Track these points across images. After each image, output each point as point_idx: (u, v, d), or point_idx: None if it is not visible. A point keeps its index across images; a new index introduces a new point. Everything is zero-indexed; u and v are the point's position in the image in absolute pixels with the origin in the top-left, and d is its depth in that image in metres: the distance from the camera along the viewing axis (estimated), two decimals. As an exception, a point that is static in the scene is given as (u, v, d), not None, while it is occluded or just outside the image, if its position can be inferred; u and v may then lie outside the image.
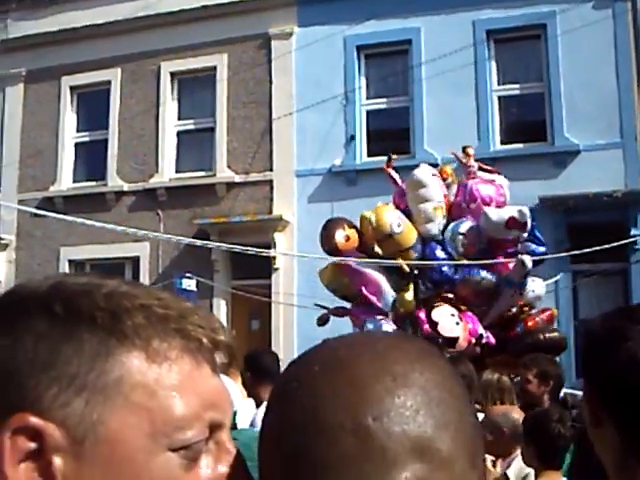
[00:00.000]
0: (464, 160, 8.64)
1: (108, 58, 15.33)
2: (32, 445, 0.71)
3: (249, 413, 4.81)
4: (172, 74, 15.11)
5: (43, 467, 0.71)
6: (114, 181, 15.19)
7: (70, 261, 15.44)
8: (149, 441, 0.73)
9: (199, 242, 10.53)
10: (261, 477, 0.78)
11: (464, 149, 8.78)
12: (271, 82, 14.44)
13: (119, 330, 0.75)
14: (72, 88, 15.85)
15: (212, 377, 0.79)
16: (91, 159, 15.75)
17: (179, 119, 15.18)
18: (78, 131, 15.98)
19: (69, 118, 15.88)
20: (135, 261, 14.91)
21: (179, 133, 15.16)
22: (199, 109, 15.05)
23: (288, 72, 14.31)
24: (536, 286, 8.35)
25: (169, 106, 15.03)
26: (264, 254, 7.81)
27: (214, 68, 14.75)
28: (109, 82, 15.49)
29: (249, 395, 5.24)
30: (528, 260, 7.90)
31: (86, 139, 15.91)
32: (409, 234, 7.91)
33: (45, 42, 15.78)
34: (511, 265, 8.01)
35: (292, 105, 14.19)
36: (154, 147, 15.02)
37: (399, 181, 8.57)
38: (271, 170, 14.26)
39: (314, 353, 0.81)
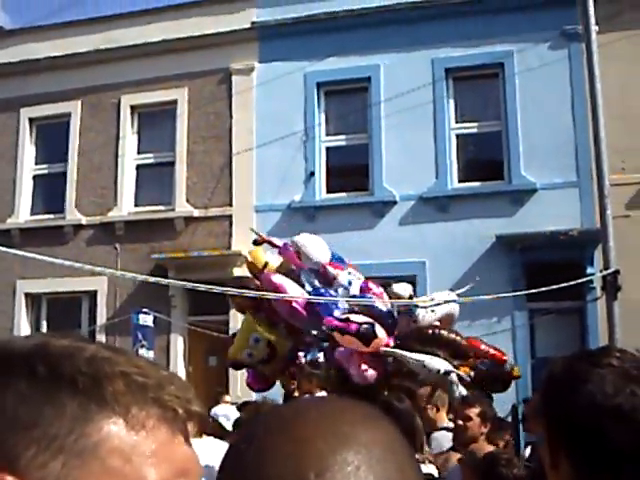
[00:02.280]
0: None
1: (68, 90, 16.22)
2: None
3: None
4: (132, 107, 16.00)
5: None
6: (72, 214, 16.00)
7: (26, 294, 16.16)
8: None
9: (155, 279, 10.90)
10: None
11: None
12: (231, 117, 15.32)
13: (100, 395, 0.80)
14: (31, 120, 16.73)
15: (184, 445, 0.85)
16: (49, 191, 16.56)
17: (139, 152, 16.07)
18: (37, 163, 16.86)
19: (28, 150, 16.75)
20: (92, 295, 15.64)
21: (138, 167, 16.04)
22: (159, 143, 15.93)
23: (249, 107, 15.18)
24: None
25: (129, 139, 15.90)
26: (230, 292, 8.50)
27: (175, 102, 15.65)
28: (69, 114, 16.36)
29: None
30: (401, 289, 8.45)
31: (45, 171, 16.78)
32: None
33: (5, 73, 16.71)
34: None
35: (252, 140, 15.07)
36: (113, 180, 15.85)
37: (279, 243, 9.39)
38: (230, 205, 15.08)
39: (264, 415, 0.90)
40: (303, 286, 8.36)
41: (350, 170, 15.12)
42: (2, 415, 0.78)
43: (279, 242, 9.59)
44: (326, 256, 8.56)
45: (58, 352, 0.83)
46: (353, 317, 7.69)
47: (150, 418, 0.82)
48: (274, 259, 9.20)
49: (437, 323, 8.36)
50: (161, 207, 15.60)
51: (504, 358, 8.33)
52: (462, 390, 7.10)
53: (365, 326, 7.53)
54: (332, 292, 8.22)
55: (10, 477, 0.76)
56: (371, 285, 8.34)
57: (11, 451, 0.77)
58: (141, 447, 0.80)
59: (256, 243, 9.76)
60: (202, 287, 9.22)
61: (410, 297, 8.73)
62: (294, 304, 8.09)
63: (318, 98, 15.02)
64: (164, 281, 11.67)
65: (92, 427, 0.79)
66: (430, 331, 8.07)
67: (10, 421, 0.78)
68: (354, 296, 8.19)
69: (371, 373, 7.53)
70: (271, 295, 8.41)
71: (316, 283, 8.45)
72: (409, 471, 0.81)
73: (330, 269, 8.48)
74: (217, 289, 8.45)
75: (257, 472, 0.81)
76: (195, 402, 0.87)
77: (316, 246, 8.67)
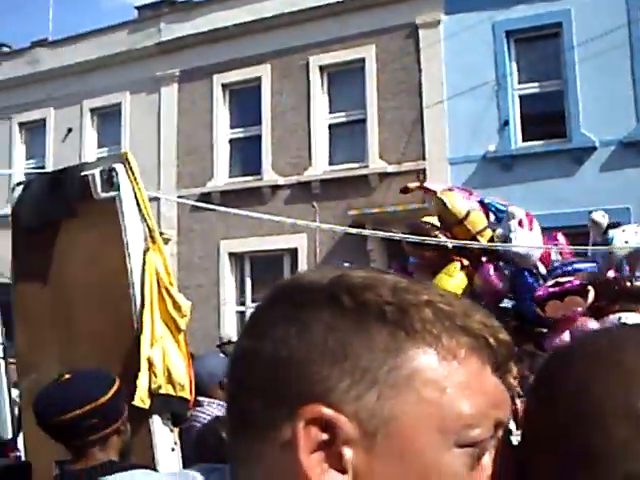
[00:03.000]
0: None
1: (258, 55, 17.02)
2: (324, 436, 0.79)
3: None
4: (321, 67, 16.62)
5: (334, 458, 0.79)
6: (269, 175, 16.86)
7: (230, 254, 17.17)
8: (438, 437, 0.79)
9: (356, 230, 11.01)
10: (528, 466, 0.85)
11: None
12: (420, 71, 15.69)
13: (409, 325, 0.81)
14: (224, 85, 17.68)
15: (493, 376, 0.84)
16: (245, 154, 17.53)
17: (330, 112, 16.70)
18: (231, 127, 17.83)
19: (222, 115, 17.72)
20: (293, 253, 16.45)
21: (330, 126, 16.66)
22: (349, 101, 16.52)
23: (437, 60, 15.52)
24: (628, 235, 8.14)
25: (319, 100, 16.56)
26: (428, 241, 8.57)
27: (362, 60, 16.16)
28: (259, 78, 17.13)
29: None
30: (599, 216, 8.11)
31: (240, 135, 17.72)
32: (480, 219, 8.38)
33: (197, 42, 17.73)
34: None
35: (443, 93, 15.41)
36: (307, 141, 16.57)
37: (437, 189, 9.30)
38: (424, 159, 15.51)
39: (577, 344, 0.90)
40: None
41: (545, 117, 15.27)
42: (313, 347, 0.80)
43: (436, 187, 9.51)
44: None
45: (359, 283, 0.84)
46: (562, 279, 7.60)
47: (461, 347, 0.82)
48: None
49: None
50: (355, 164, 16.19)
51: None
52: None
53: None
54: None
55: (326, 409, 0.78)
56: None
57: (324, 383, 0.79)
58: (454, 378, 0.81)
59: (406, 191, 9.59)
60: (398, 236, 9.35)
61: (609, 226, 8.30)
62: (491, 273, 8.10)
63: (508, 47, 15.17)
64: (364, 232, 11.78)
65: (403, 358, 0.80)
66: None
67: (321, 353, 0.80)
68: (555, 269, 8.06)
69: None
70: (476, 244, 8.40)
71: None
72: None
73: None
74: (414, 238, 8.55)
75: (581, 402, 0.81)
76: (502, 330, 0.86)
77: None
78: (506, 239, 8.02)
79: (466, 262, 8.17)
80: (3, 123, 20.71)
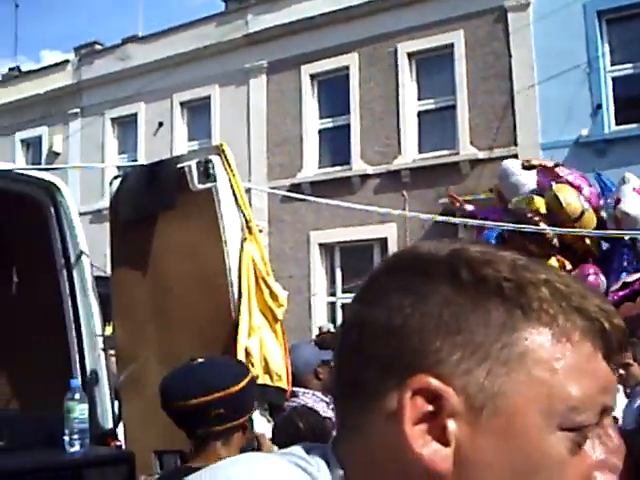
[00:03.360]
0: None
1: (344, 44, 17.07)
2: (430, 407, 0.79)
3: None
4: (409, 54, 16.57)
5: (438, 430, 0.79)
6: (358, 165, 16.89)
7: (320, 244, 17.26)
8: (544, 418, 0.78)
9: (443, 218, 10.87)
10: None
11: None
12: (510, 55, 15.52)
13: (526, 303, 0.80)
14: (312, 76, 17.78)
15: (603, 362, 0.83)
16: (334, 144, 17.63)
17: (419, 99, 16.64)
18: (320, 118, 17.93)
19: (310, 105, 17.84)
20: (383, 242, 16.43)
21: (420, 113, 16.59)
22: (438, 87, 16.48)
23: (527, 43, 15.32)
24: None
25: (408, 87, 16.52)
26: (525, 229, 8.43)
27: (451, 45, 16.05)
28: (347, 67, 17.18)
29: None
30: None
31: (329, 125, 17.82)
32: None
33: (284, 33, 17.92)
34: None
35: (533, 77, 15.22)
36: (395, 129, 16.54)
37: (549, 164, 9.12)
38: (515, 144, 15.33)
39: None
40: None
41: None
42: (427, 318, 0.81)
43: (550, 163, 9.37)
44: None
45: (477, 258, 0.83)
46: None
47: (575, 330, 0.81)
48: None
49: None
50: (445, 151, 16.11)
51: None
52: None
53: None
54: None
55: (434, 380, 0.79)
56: None
57: (435, 355, 0.80)
58: (567, 360, 0.80)
59: (526, 167, 9.47)
60: (489, 224, 9.24)
61: None
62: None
63: (600, 27, 14.88)
64: (453, 220, 11.62)
65: (517, 336, 0.80)
66: None
67: (435, 324, 0.80)
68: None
69: None
70: (584, 232, 8.24)
71: None
72: None
73: None
74: (510, 226, 8.43)
75: None
76: (617, 315, 0.84)
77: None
78: (617, 202, 7.96)
79: (568, 266, 8.08)
80: (96, 119, 21.17)
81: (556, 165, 9.94)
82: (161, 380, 2.88)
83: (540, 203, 9.06)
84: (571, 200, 8.86)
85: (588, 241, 8.37)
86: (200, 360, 2.85)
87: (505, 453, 0.78)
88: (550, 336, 0.80)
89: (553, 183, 9.23)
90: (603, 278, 7.88)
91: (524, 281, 0.81)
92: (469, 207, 9.64)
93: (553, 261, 7.96)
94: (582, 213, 8.60)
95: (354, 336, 0.87)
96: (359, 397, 0.85)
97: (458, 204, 9.58)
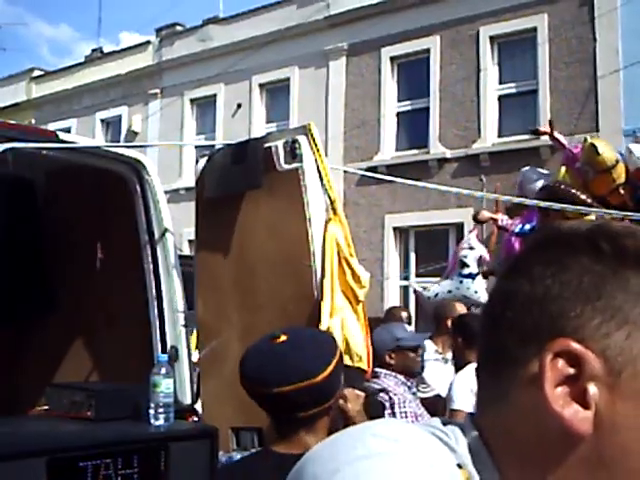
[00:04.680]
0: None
1: (426, 26, 16.92)
2: (570, 370, 0.82)
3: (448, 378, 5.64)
4: (491, 38, 16.36)
5: (578, 393, 0.82)
6: (436, 148, 16.76)
7: (394, 228, 17.21)
8: None
9: (526, 201, 10.92)
10: None
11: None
12: (595, 39, 15.23)
13: None
14: (392, 58, 17.69)
15: None
16: (413, 127, 17.52)
17: (500, 83, 16.41)
18: (399, 100, 17.83)
19: (390, 88, 17.74)
20: (459, 227, 16.29)
21: (500, 97, 16.36)
22: (520, 72, 16.23)
23: (613, 27, 15.00)
24: None
25: (490, 70, 16.32)
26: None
27: (534, 29, 15.81)
28: (428, 50, 17.07)
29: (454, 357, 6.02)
30: None
31: (407, 108, 17.71)
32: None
33: (365, 15, 17.82)
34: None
35: (618, 61, 14.90)
36: (475, 112, 16.39)
37: (565, 143, 9.15)
38: (597, 130, 15.04)
39: None
40: None
41: None
42: (567, 286, 0.85)
43: (564, 141, 9.35)
44: None
45: (619, 231, 0.88)
46: None
47: None
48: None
49: None
50: (525, 136, 15.84)
51: None
52: None
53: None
54: None
55: (575, 344, 0.82)
56: None
57: (575, 320, 0.83)
58: None
59: (536, 133, 9.60)
60: (571, 208, 9.15)
61: None
62: None
63: (690, 11, 14.44)
64: (527, 201, 11.52)
65: None
66: None
67: (574, 292, 0.84)
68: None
69: None
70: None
71: None
72: None
73: None
74: (599, 211, 8.28)
75: None
76: None
77: None
78: None
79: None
80: (176, 100, 21.40)
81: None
82: (242, 359, 2.68)
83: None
84: (607, 149, 8.90)
85: (622, 191, 8.35)
86: (283, 338, 2.60)
87: None
88: None
89: (588, 137, 9.35)
90: None
91: None
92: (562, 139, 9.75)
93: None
94: (617, 161, 8.66)
95: (497, 308, 0.92)
96: (501, 365, 0.89)
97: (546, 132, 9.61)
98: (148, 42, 22.96)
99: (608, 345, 0.82)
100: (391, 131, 17.73)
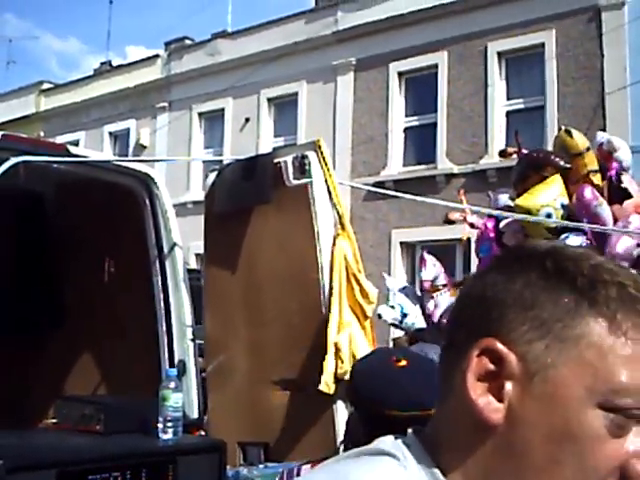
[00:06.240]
0: None
1: (434, 42, 16.98)
2: (492, 367, 0.93)
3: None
4: (499, 53, 16.42)
5: (496, 388, 0.92)
6: (444, 164, 16.78)
7: (401, 243, 17.18)
8: (585, 393, 0.89)
9: (529, 217, 10.81)
10: None
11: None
12: (602, 55, 15.26)
13: (592, 297, 0.92)
14: (400, 74, 17.75)
15: None
16: (420, 143, 17.56)
17: (508, 99, 16.45)
18: (407, 116, 17.86)
19: (397, 103, 17.79)
20: (466, 242, 16.20)
21: (508, 113, 16.38)
22: (528, 87, 16.29)
23: (621, 44, 15.03)
24: None
25: (497, 86, 16.36)
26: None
27: (542, 45, 15.83)
28: (436, 65, 17.13)
29: None
30: None
31: (415, 123, 17.74)
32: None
33: (373, 30, 17.93)
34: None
35: (626, 78, 14.93)
36: (483, 128, 16.41)
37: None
38: (604, 147, 14.94)
39: None
40: None
41: None
42: (511, 294, 0.94)
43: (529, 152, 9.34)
44: None
45: (567, 254, 0.97)
46: None
47: (634, 328, 0.91)
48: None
49: None
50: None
51: None
52: None
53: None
54: None
55: (500, 345, 0.92)
56: None
57: (508, 324, 0.92)
58: (618, 350, 0.90)
59: (503, 154, 9.59)
60: (586, 226, 9.13)
61: None
62: None
63: (696, 27, 14.46)
64: (530, 218, 11.38)
65: (579, 321, 0.91)
66: None
67: (516, 299, 0.93)
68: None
69: None
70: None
71: None
72: None
73: None
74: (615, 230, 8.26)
75: None
76: None
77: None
78: None
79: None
80: (184, 114, 21.47)
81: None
82: (357, 375, 2.65)
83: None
84: (579, 135, 8.89)
85: (595, 179, 8.36)
86: (404, 362, 2.57)
87: (547, 416, 0.90)
88: (607, 328, 0.90)
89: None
90: None
91: (598, 279, 0.93)
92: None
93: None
94: (588, 148, 8.66)
95: (456, 305, 1.03)
96: (452, 358, 0.99)
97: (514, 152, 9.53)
98: (157, 56, 23.06)
99: (528, 351, 0.91)
100: (398, 146, 17.75)
